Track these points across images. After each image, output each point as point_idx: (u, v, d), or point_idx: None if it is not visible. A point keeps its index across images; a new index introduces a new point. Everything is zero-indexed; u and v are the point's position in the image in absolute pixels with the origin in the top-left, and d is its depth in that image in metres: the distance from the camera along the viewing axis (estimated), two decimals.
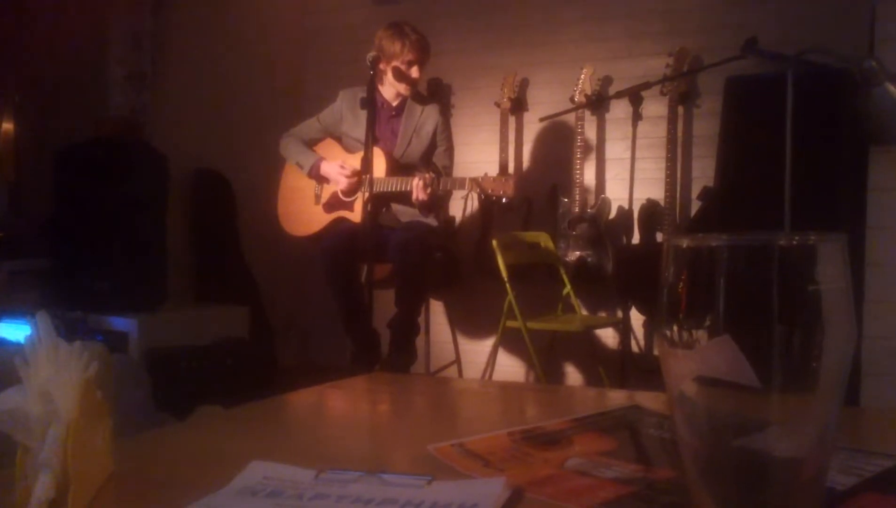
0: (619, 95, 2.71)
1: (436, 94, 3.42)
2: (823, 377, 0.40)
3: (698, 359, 0.38)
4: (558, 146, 3.32)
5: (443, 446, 0.59)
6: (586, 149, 3.15)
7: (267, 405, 0.76)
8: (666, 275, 0.40)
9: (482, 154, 3.37)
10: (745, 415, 0.40)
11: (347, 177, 2.75)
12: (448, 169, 2.87)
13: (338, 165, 2.78)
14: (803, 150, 1.64)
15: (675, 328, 0.39)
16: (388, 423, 0.75)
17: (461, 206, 3.42)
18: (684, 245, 0.40)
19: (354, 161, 2.80)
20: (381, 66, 2.74)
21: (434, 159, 2.85)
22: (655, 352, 3.13)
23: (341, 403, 0.83)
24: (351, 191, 2.78)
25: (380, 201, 2.69)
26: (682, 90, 2.99)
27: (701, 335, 0.38)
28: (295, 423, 0.74)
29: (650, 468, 0.56)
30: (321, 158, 2.83)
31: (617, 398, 0.85)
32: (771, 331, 0.38)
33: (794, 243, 0.38)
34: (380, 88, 2.77)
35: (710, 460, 0.41)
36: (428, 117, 2.82)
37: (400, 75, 2.73)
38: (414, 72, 2.74)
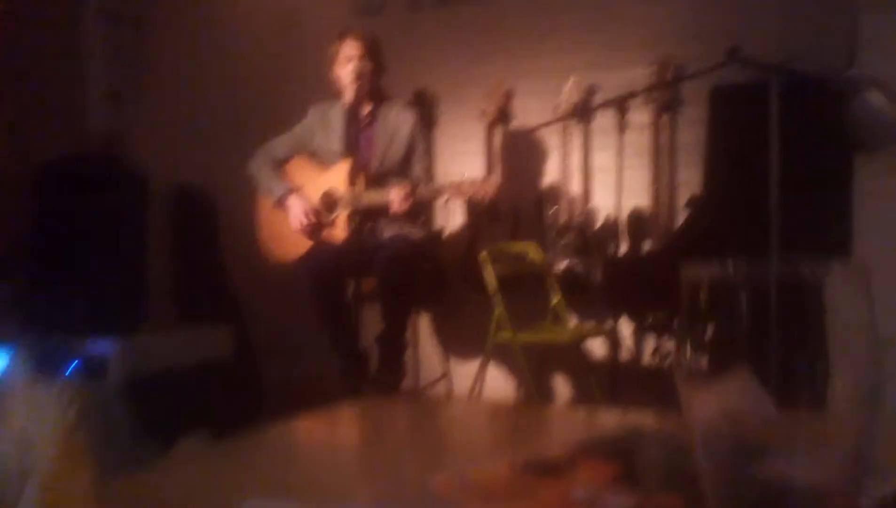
0: (604, 105, 2.71)
1: (420, 105, 3.41)
2: (843, 402, 0.39)
3: (717, 391, 0.36)
4: (544, 156, 3.31)
5: (443, 480, 0.56)
6: (572, 158, 3.15)
7: (257, 438, 0.73)
8: (682, 306, 0.39)
9: (469, 165, 3.36)
10: (766, 444, 0.39)
11: (302, 223, 2.70)
12: (429, 170, 2.86)
13: (301, 209, 2.74)
14: (789, 157, 1.65)
15: (693, 359, 0.38)
16: (384, 454, 0.72)
17: (445, 215, 3.40)
18: (700, 276, 0.39)
19: (330, 178, 2.78)
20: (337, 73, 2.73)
21: (414, 162, 2.83)
22: (646, 360, 3.14)
23: (335, 432, 0.80)
24: (328, 210, 2.75)
25: (362, 217, 2.67)
26: (666, 99, 3.00)
27: (719, 365, 0.37)
28: (288, 456, 0.71)
29: (658, 495, 0.54)
30: (290, 191, 2.79)
31: (617, 419, 0.83)
32: (790, 359, 0.37)
33: (812, 271, 0.37)
34: (348, 98, 2.76)
35: (733, 492, 0.40)
36: (403, 121, 2.80)
37: (344, 74, 2.70)
38: (353, 65, 2.68)
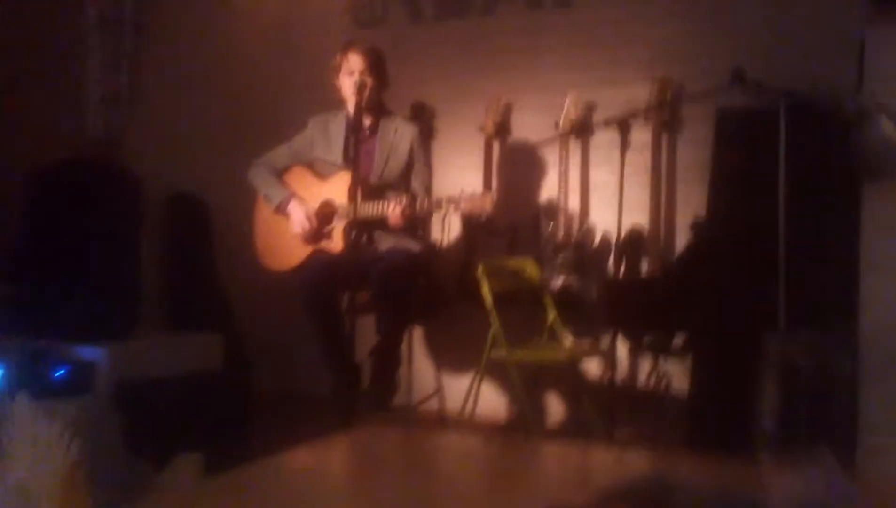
0: (605, 123, 2.70)
1: (419, 118, 3.39)
2: None
3: (799, 474, 0.35)
4: (542, 172, 3.30)
5: None
6: (570, 175, 3.14)
7: (255, 472, 0.69)
8: (768, 381, 0.37)
9: (466, 179, 3.33)
10: None
11: (304, 228, 2.68)
12: (428, 186, 2.84)
13: (303, 214, 2.72)
14: (796, 184, 1.63)
15: (775, 444, 0.36)
16: (395, 500, 0.69)
17: (442, 229, 3.38)
18: (791, 350, 0.37)
19: (329, 188, 2.75)
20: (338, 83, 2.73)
21: (413, 176, 2.81)
22: (642, 382, 3.11)
23: (338, 466, 0.77)
24: (326, 221, 2.72)
25: (359, 229, 2.64)
26: (666, 118, 3.00)
27: (799, 448, 0.35)
28: (286, 496, 0.68)
29: None
30: (291, 196, 2.77)
31: (635, 462, 0.80)
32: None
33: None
34: (349, 110, 2.74)
35: None
36: (403, 134, 2.79)
37: (346, 86, 2.68)
38: (355, 79, 2.66)
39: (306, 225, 2.71)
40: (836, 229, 1.88)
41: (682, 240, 2.97)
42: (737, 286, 2.09)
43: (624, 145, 2.69)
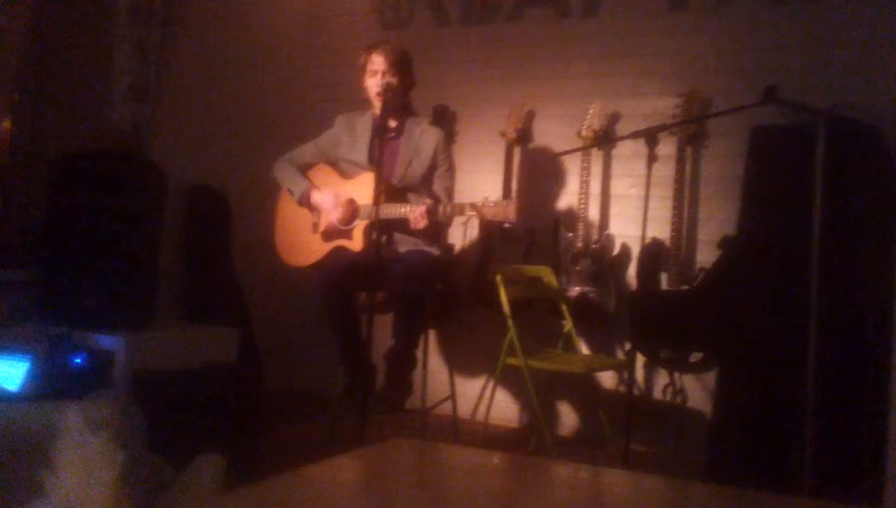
0: (634, 135, 2.67)
1: (441, 121, 3.38)
2: None
3: None
4: (563, 180, 3.28)
5: None
6: (591, 184, 3.12)
7: (279, 486, 0.67)
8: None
9: (485, 184, 3.33)
10: None
11: (341, 207, 2.69)
12: (450, 190, 2.82)
13: (331, 197, 2.72)
14: (830, 205, 1.61)
15: None
16: None
17: (461, 233, 3.36)
18: None
19: (351, 188, 2.74)
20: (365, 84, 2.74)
21: (436, 180, 2.79)
22: (657, 396, 3.08)
23: (366, 486, 0.75)
24: (348, 219, 2.71)
25: (380, 230, 2.63)
26: (691, 131, 2.97)
27: None
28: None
29: None
30: (312, 186, 2.77)
31: (677, 492, 0.78)
32: None
33: None
34: (375, 111, 2.74)
35: None
36: (428, 137, 2.77)
37: (371, 86, 2.69)
38: (379, 77, 2.65)
39: (334, 203, 2.69)
40: (872, 250, 1.84)
41: (703, 254, 2.95)
42: (765, 305, 2.05)
43: (649, 158, 2.66)
